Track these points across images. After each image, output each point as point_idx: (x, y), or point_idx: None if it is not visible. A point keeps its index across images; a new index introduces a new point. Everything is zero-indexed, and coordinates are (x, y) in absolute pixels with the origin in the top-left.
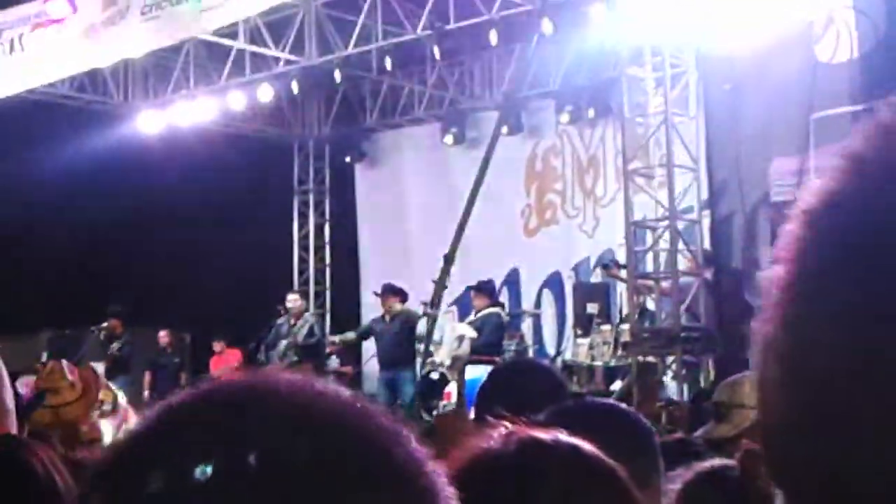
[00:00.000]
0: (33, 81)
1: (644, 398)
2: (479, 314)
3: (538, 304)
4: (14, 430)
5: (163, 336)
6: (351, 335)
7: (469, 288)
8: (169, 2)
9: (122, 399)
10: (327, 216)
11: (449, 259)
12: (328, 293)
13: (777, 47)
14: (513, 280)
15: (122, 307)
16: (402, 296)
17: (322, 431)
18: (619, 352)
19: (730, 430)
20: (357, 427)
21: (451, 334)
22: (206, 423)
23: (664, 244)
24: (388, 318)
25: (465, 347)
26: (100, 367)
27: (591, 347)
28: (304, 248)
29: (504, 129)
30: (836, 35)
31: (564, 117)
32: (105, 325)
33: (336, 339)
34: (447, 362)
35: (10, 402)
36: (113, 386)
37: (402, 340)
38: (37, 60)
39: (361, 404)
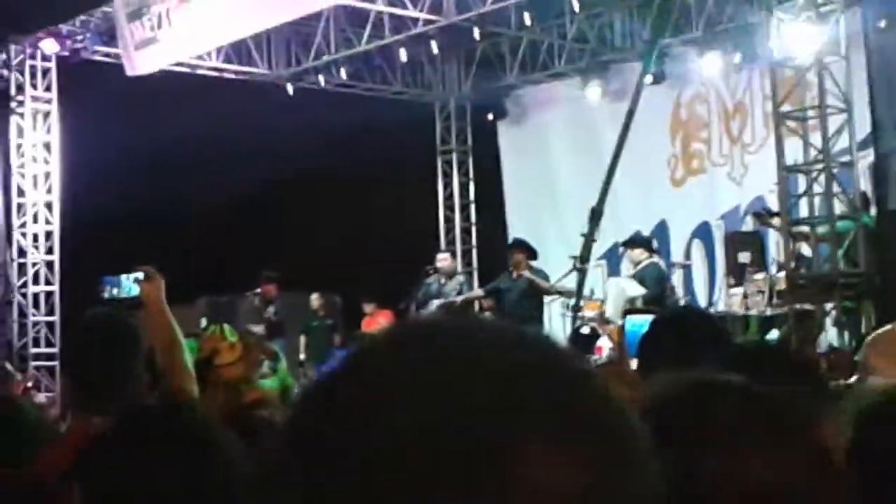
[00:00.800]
0: (182, 55)
1: (802, 345)
2: (639, 266)
3: (688, 256)
4: (196, 393)
5: (315, 299)
6: (479, 292)
7: (622, 244)
8: None
9: (282, 361)
10: (471, 175)
11: (597, 213)
12: (475, 252)
13: None
14: (662, 232)
15: (276, 272)
16: (530, 252)
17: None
18: (775, 300)
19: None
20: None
21: (618, 293)
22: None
23: (818, 189)
24: (515, 274)
25: (638, 305)
26: (258, 331)
27: (744, 297)
28: (449, 207)
29: (648, 79)
30: None
31: (709, 63)
32: (259, 290)
33: (459, 298)
34: (617, 320)
35: (191, 367)
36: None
37: (529, 297)
38: (184, 35)
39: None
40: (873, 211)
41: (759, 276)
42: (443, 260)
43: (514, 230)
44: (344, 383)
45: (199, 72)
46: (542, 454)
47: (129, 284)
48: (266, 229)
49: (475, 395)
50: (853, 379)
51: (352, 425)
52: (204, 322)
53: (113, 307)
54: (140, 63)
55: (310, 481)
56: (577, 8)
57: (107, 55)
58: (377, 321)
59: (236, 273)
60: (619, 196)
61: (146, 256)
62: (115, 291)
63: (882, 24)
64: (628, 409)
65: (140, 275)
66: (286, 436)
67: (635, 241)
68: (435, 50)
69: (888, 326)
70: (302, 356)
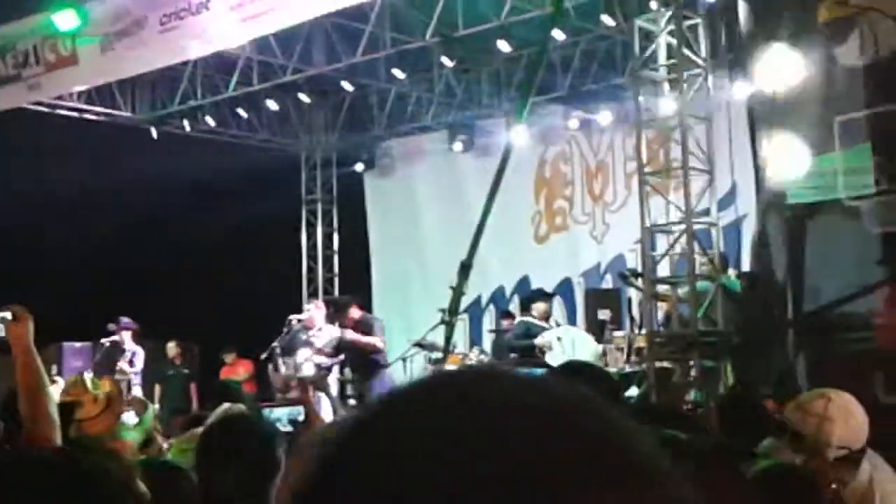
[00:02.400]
0: (58, 90)
1: (671, 402)
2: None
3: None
4: (59, 442)
5: (171, 347)
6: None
7: (531, 298)
8: (189, 11)
9: (149, 411)
10: (335, 225)
11: (467, 266)
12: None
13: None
14: (524, 287)
15: (129, 320)
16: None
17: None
18: (633, 358)
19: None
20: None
21: (571, 343)
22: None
23: (679, 248)
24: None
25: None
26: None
27: (603, 354)
28: (312, 257)
29: (517, 135)
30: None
31: (573, 122)
32: (114, 337)
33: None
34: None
35: (56, 415)
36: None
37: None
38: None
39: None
40: (730, 272)
41: (619, 333)
42: (308, 311)
43: (379, 281)
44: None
45: (61, 112)
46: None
47: None
48: (124, 275)
49: (539, 450)
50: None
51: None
52: (54, 369)
53: None
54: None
55: None
56: (446, 63)
57: None
58: (237, 370)
59: (91, 319)
60: (483, 250)
61: None
62: None
63: (741, 89)
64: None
65: (7, 314)
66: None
67: (540, 297)
68: (304, 99)
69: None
70: (157, 406)
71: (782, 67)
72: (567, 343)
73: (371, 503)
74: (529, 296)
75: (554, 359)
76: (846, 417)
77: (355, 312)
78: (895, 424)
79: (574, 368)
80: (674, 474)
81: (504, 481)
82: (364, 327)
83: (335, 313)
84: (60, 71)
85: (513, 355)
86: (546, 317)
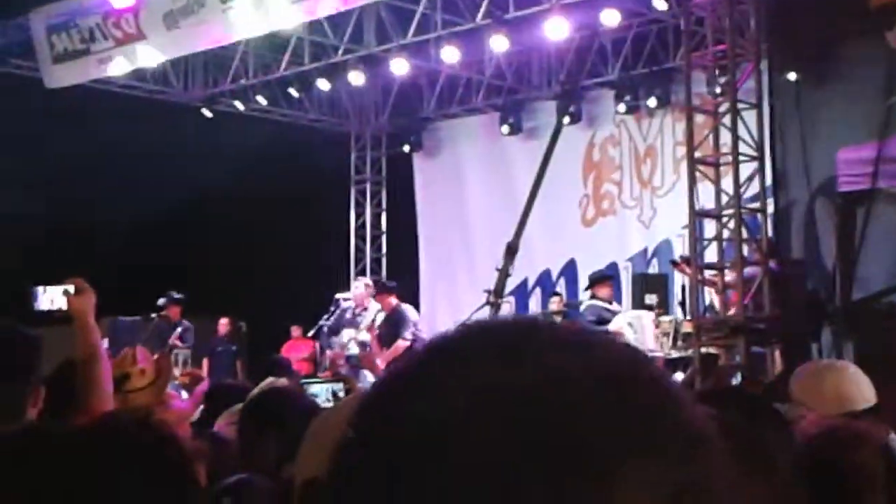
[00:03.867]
0: (129, 67)
1: (714, 385)
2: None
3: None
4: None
5: (223, 324)
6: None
7: (596, 280)
8: None
9: (203, 384)
10: (384, 206)
11: (513, 248)
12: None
13: (846, 34)
14: (570, 271)
15: (180, 295)
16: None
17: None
18: (680, 343)
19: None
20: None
21: (641, 328)
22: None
23: (727, 234)
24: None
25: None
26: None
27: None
28: (360, 237)
29: (565, 120)
30: None
31: (623, 107)
32: (164, 312)
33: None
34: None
35: (110, 387)
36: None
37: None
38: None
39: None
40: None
41: (665, 318)
42: (357, 289)
43: (426, 262)
44: (425, 387)
45: (114, 89)
46: (640, 468)
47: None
48: (173, 251)
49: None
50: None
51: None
52: (105, 343)
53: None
54: (59, 75)
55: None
56: (496, 44)
57: (18, 67)
58: (299, 347)
59: (143, 294)
60: (529, 233)
61: (52, 272)
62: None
63: (792, 76)
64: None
65: (70, 288)
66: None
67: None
68: (354, 80)
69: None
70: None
71: (832, 52)
72: (638, 328)
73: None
74: (597, 278)
75: None
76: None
77: (392, 300)
78: None
79: None
80: (720, 446)
81: (558, 449)
82: (395, 319)
83: (376, 295)
84: (129, 46)
85: None
86: (611, 300)
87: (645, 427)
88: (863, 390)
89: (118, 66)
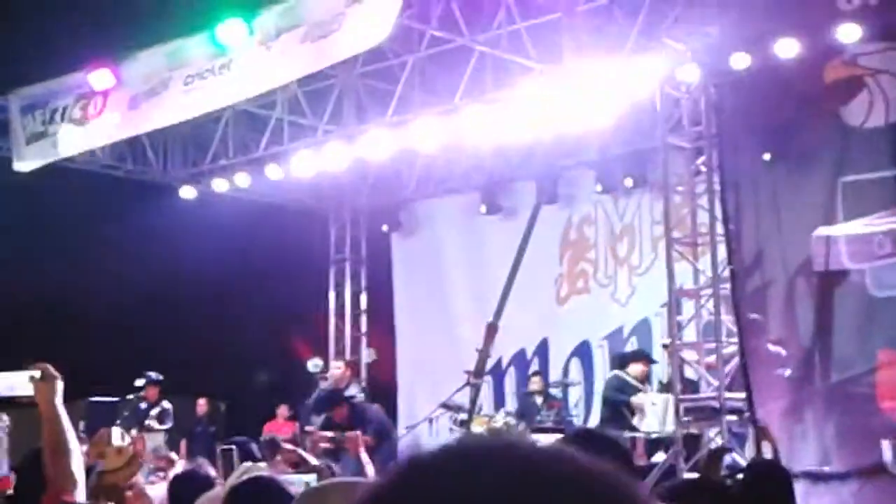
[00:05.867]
0: (80, 147)
1: (708, 468)
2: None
3: (566, 374)
4: (83, 500)
5: (201, 405)
6: None
7: (632, 356)
8: (212, 72)
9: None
10: (363, 285)
11: (493, 328)
12: (364, 362)
13: (809, 112)
14: (542, 350)
15: (159, 376)
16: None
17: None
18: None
19: None
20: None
21: (665, 410)
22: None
23: (705, 314)
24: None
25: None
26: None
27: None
28: (340, 316)
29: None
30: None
31: (599, 186)
32: (141, 393)
33: None
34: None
35: (82, 474)
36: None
37: None
38: (84, 130)
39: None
40: None
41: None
42: (336, 368)
43: (404, 341)
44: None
45: (93, 169)
46: None
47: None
48: (151, 331)
49: None
50: None
51: None
52: (82, 425)
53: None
54: (29, 156)
55: None
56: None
57: None
58: (282, 428)
59: (121, 375)
60: (505, 312)
61: (25, 354)
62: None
63: (766, 157)
64: None
65: (36, 373)
66: None
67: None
68: (333, 159)
69: None
70: (182, 461)
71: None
72: (660, 410)
73: None
74: (630, 354)
75: (642, 422)
76: None
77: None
78: None
79: (585, 436)
80: None
81: None
82: (353, 418)
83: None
84: (79, 126)
85: (603, 408)
86: (643, 379)
87: None
88: None
89: (67, 147)
